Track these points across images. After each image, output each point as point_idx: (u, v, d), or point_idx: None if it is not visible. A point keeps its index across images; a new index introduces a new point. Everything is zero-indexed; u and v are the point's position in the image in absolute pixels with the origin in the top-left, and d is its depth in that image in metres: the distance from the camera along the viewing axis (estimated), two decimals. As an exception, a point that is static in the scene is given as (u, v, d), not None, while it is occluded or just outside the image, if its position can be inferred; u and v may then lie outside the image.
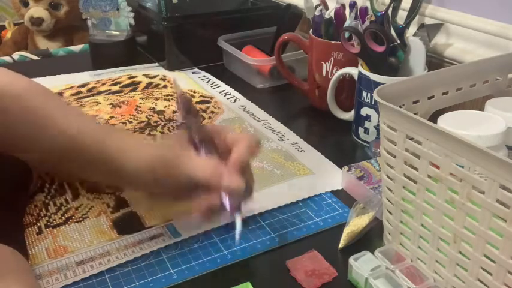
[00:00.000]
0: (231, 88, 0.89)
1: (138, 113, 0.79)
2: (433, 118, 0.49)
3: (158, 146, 0.52)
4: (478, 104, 0.55)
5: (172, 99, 0.84)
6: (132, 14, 1.00)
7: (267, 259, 0.50)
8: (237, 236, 0.47)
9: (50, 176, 0.61)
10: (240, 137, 0.50)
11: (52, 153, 0.51)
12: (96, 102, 0.82)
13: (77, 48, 1.17)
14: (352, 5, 0.71)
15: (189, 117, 0.50)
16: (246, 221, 0.50)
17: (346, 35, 0.69)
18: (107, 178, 0.54)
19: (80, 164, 0.51)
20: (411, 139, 0.42)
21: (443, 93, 0.51)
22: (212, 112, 0.80)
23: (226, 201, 0.47)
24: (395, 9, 0.67)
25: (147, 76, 0.93)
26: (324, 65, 0.76)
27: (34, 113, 0.50)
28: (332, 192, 0.60)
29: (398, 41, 0.67)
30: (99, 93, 0.86)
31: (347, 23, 0.71)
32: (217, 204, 0.47)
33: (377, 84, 0.64)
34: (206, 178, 0.47)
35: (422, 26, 0.71)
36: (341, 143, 0.73)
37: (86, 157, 0.50)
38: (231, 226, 0.49)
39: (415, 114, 0.46)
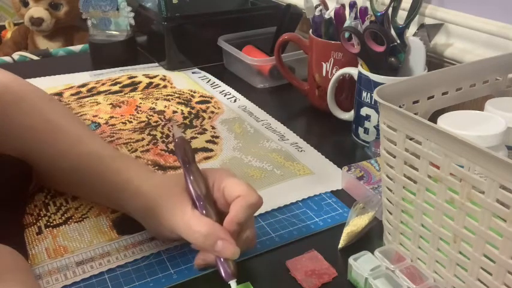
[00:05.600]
0: (231, 88, 0.89)
1: (138, 113, 0.79)
2: (433, 118, 0.49)
3: (155, 193, 0.49)
4: (478, 104, 0.55)
5: (172, 99, 0.84)
6: (132, 14, 1.00)
7: (267, 259, 0.50)
8: None
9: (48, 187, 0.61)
10: (238, 193, 0.46)
11: (56, 165, 0.55)
12: (96, 102, 0.82)
13: (77, 48, 1.17)
14: (352, 5, 0.71)
15: (186, 167, 0.48)
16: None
17: (346, 35, 0.69)
18: (106, 203, 0.56)
19: (83, 180, 0.54)
20: (411, 139, 0.42)
21: (443, 93, 0.51)
22: (212, 112, 0.80)
23: (220, 266, 0.45)
24: (395, 9, 0.67)
25: (147, 76, 0.93)
26: (324, 65, 0.76)
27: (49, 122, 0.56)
28: (332, 192, 0.60)
29: (398, 41, 0.67)
30: (99, 93, 0.86)
31: (347, 23, 0.71)
32: (212, 261, 0.46)
33: (377, 84, 0.64)
34: (199, 242, 0.45)
35: (422, 26, 0.71)
36: (341, 143, 0.73)
37: (90, 177, 0.53)
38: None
39: (415, 114, 0.46)
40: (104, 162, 0.52)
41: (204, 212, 0.46)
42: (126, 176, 0.51)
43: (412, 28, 0.71)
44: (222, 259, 0.45)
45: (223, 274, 0.45)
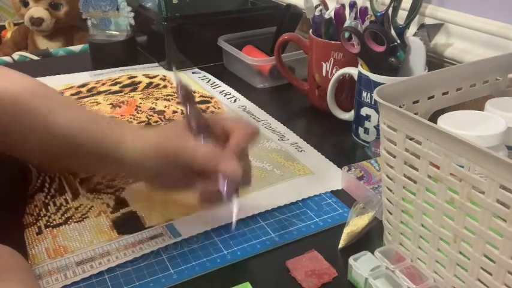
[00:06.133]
0: (231, 88, 0.89)
1: (138, 113, 0.79)
2: (433, 118, 0.49)
3: (156, 134, 0.52)
4: (478, 104, 0.55)
5: (172, 99, 0.84)
6: (132, 14, 1.00)
7: (267, 259, 0.50)
8: (234, 222, 0.47)
9: (50, 173, 0.61)
10: (238, 124, 0.51)
11: (50, 152, 0.53)
12: (96, 102, 0.82)
13: (77, 48, 1.17)
14: (352, 5, 0.71)
15: (187, 105, 0.51)
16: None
17: (346, 35, 0.69)
18: (107, 169, 0.57)
19: (80, 160, 0.53)
20: (411, 139, 0.42)
21: (443, 93, 0.51)
22: (212, 112, 0.80)
23: (223, 186, 0.47)
24: (395, 9, 0.67)
25: (147, 76, 0.93)
26: (324, 65, 0.76)
27: (33, 114, 0.51)
28: (332, 192, 0.60)
29: (398, 41, 0.67)
30: (99, 93, 0.86)
31: (347, 23, 0.71)
32: (216, 189, 0.47)
33: (377, 84, 0.64)
34: (203, 162, 0.47)
35: (422, 26, 0.71)
36: (341, 143, 0.73)
37: (86, 154, 0.52)
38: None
39: (415, 114, 0.46)
40: (101, 125, 0.53)
41: (205, 141, 0.49)
42: (123, 133, 0.51)
43: (412, 28, 0.71)
44: (225, 181, 0.46)
45: (225, 194, 0.47)
